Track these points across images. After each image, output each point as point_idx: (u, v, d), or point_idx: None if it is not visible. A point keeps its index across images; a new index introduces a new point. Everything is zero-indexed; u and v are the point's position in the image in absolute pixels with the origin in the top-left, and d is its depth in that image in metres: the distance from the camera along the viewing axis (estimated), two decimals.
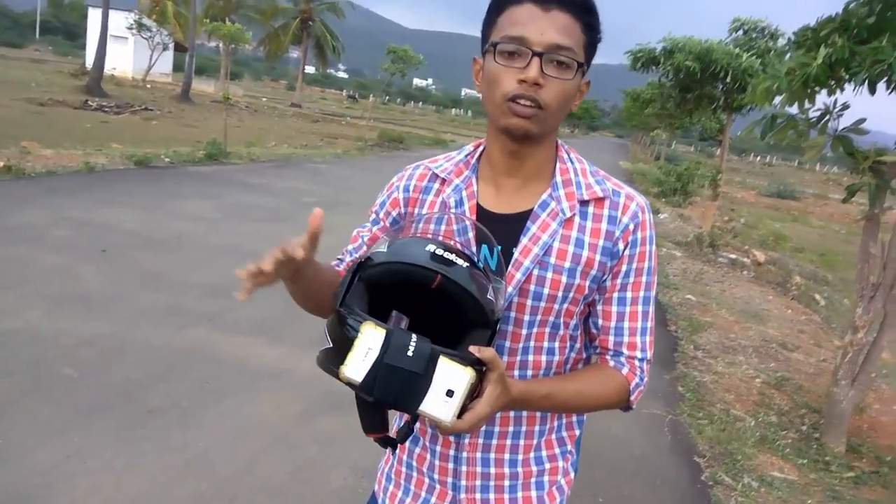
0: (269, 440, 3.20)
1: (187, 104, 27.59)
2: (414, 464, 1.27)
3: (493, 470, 1.21)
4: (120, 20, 32.48)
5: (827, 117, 4.06)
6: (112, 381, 3.54)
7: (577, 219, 1.14)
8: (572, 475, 1.31)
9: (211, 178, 10.61)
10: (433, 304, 0.95)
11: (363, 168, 15.42)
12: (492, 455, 1.21)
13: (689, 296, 7.48)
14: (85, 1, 64.54)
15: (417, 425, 1.23)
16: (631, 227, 1.14)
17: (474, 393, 0.93)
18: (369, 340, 0.86)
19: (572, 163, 1.20)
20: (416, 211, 1.24)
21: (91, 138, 13.01)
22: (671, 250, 10.45)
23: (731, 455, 3.80)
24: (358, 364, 0.86)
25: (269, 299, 5.06)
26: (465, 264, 0.95)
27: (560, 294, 1.13)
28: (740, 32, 10.34)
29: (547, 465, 1.25)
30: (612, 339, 1.19)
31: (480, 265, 1.00)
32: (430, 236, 1.03)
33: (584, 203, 1.15)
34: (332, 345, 0.92)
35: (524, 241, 1.13)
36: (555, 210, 1.14)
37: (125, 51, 38.35)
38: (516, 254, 1.13)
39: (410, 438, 1.26)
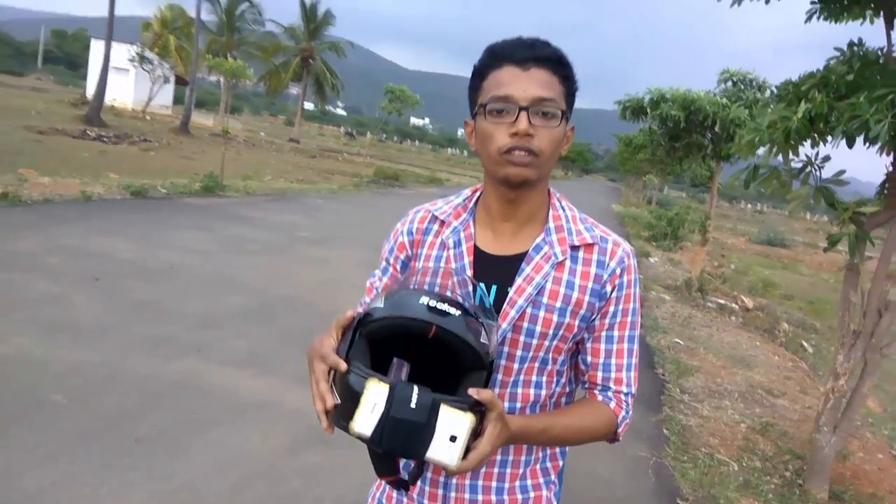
0: (255, 472, 3.21)
1: (186, 136, 27.85)
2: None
3: (480, 497, 1.27)
4: (122, 52, 32.93)
5: (808, 168, 4.19)
6: (101, 409, 3.55)
7: (568, 262, 1.23)
8: None
9: (206, 211, 10.69)
10: (431, 350, 1.02)
11: (358, 204, 15.57)
12: (480, 482, 1.27)
13: (677, 339, 7.55)
14: (88, 32, 65.47)
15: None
16: (618, 271, 1.23)
17: (476, 433, 0.99)
18: (374, 396, 0.92)
19: (564, 210, 1.29)
20: (419, 251, 1.31)
21: (89, 167, 13.12)
22: (660, 294, 10.54)
23: (713, 499, 3.82)
24: (366, 419, 0.92)
25: (257, 332, 5.13)
26: (458, 313, 1.01)
27: (551, 332, 1.21)
28: (729, 83, 10.61)
29: (531, 494, 1.30)
30: (600, 374, 1.27)
31: (472, 312, 1.06)
32: (426, 287, 1.10)
33: (574, 248, 1.24)
34: (340, 401, 0.97)
35: (519, 280, 1.22)
36: (548, 253, 1.23)
37: (126, 82, 38.83)
38: (511, 292, 1.21)
39: (403, 464, 1.31)
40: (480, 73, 1.19)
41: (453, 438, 0.94)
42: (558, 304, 1.21)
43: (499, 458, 1.27)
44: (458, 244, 1.27)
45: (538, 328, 1.21)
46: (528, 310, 1.20)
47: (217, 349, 4.69)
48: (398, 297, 1.04)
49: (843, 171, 4.16)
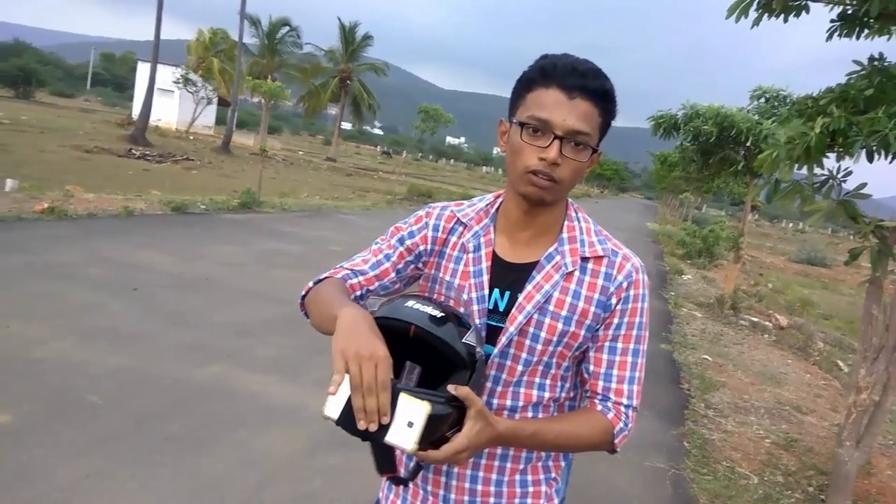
0: (277, 471, 3.34)
1: (227, 156, 28.58)
2: None
3: (480, 487, 1.33)
4: (167, 74, 34.08)
5: (830, 182, 4.19)
6: (133, 410, 3.73)
7: (577, 273, 1.28)
8: (556, 501, 1.40)
9: (243, 226, 10.99)
10: (424, 352, 1.10)
11: (390, 220, 15.58)
12: (480, 473, 1.33)
13: (706, 356, 7.49)
14: (135, 55, 67.73)
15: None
16: (624, 284, 1.28)
17: (456, 427, 1.07)
18: (346, 385, 1.01)
19: (579, 222, 1.34)
20: (443, 250, 1.38)
21: (132, 185, 13.60)
22: (692, 311, 10.46)
23: None
24: (334, 404, 1.02)
25: (285, 340, 5.29)
26: (440, 314, 1.10)
27: (555, 338, 1.27)
28: (762, 100, 10.54)
29: (531, 489, 1.35)
30: (601, 384, 1.29)
31: (457, 315, 1.14)
32: (442, 298, 1.20)
33: (585, 259, 1.29)
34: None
35: (528, 288, 1.28)
36: (559, 263, 1.29)
37: (171, 103, 40.06)
38: (521, 298, 1.28)
39: (408, 455, 1.39)
40: (528, 83, 1.22)
41: (410, 424, 1.01)
42: (564, 313, 1.26)
43: (499, 451, 1.32)
44: (477, 248, 1.33)
45: (543, 334, 1.26)
46: (535, 316, 1.26)
47: (246, 356, 4.85)
48: (391, 304, 1.14)
49: (864, 184, 4.14)
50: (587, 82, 1.18)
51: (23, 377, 3.92)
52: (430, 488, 1.36)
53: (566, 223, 1.32)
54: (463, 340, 1.09)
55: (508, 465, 1.33)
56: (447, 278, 1.34)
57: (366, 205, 18.40)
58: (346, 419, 1.01)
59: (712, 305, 10.94)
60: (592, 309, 1.26)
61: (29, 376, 3.94)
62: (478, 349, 1.12)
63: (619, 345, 1.29)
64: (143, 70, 37.38)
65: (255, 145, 33.68)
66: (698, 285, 13.82)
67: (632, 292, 1.28)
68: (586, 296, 1.26)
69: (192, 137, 35.46)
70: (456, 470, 1.33)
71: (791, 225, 76.83)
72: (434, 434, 1.04)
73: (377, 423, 0.99)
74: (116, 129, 30.54)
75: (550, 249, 1.30)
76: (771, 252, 33.88)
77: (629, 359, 1.29)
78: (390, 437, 1.01)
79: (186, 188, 14.55)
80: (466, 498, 1.33)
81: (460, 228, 1.37)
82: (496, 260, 1.32)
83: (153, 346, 4.75)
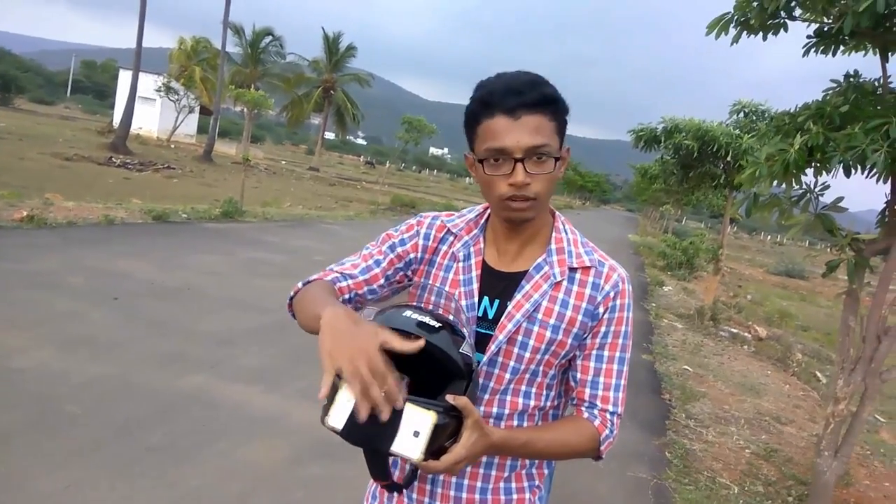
0: (259, 482, 3.32)
1: (209, 164, 28.42)
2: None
3: (465, 495, 1.34)
4: (149, 82, 33.89)
5: (808, 196, 4.27)
6: (114, 420, 3.69)
7: (565, 283, 1.31)
8: None
9: (225, 235, 10.93)
10: (421, 363, 1.10)
11: (373, 230, 15.68)
12: (465, 481, 1.34)
13: (686, 367, 7.56)
14: (117, 63, 67.27)
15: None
16: (612, 294, 1.31)
17: (453, 437, 1.08)
18: (347, 394, 1.01)
19: (566, 234, 1.37)
20: (433, 258, 1.40)
21: (113, 193, 13.48)
22: (672, 322, 10.55)
23: None
24: (338, 414, 1.01)
25: (268, 350, 5.27)
26: (439, 325, 1.11)
27: (543, 346, 1.29)
28: (741, 115, 10.71)
29: (514, 496, 1.37)
30: (588, 391, 1.32)
31: (454, 326, 1.15)
32: (430, 306, 1.21)
33: (573, 269, 1.32)
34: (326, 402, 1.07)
35: (518, 296, 1.31)
36: (547, 273, 1.31)
37: (152, 111, 39.78)
38: (510, 307, 1.30)
39: (394, 463, 1.39)
40: (473, 118, 1.24)
41: (416, 434, 1.01)
42: (552, 322, 1.29)
43: (484, 459, 1.33)
44: (467, 258, 1.36)
45: (532, 342, 1.29)
46: (524, 324, 1.29)
47: (229, 366, 4.82)
48: (387, 314, 1.14)
49: (841, 198, 4.23)
50: (525, 98, 1.18)
51: (2, 386, 3.86)
52: (415, 496, 1.37)
53: (554, 234, 1.35)
54: (460, 350, 1.10)
55: (493, 472, 1.34)
56: (437, 286, 1.36)
57: (349, 215, 18.38)
58: (351, 429, 1.00)
59: (692, 317, 11.05)
60: (580, 318, 1.29)
61: (8, 385, 3.89)
62: (473, 359, 1.13)
63: (606, 353, 1.31)
64: (124, 78, 37.14)
65: (238, 154, 33.56)
66: (679, 296, 13.95)
67: (618, 302, 1.31)
68: (574, 305, 1.29)
69: (173, 146, 35.23)
70: (441, 478, 1.34)
71: (769, 237, 77.85)
72: (435, 444, 1.04)
73: (390, 410, 0.98)
74: (97, 136, 30.26)
75: (539, 260, 1.32)
76: (750, 264, 34.28)
77: (615, 367, 1.32)
78: (396, 447, 1.01)
79: (168, 197, 14.44)
80: None
81: (450, 238, 1.40)
82: (486, 269, 1.34)
83: (134, 356, 4.70)
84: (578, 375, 1.33)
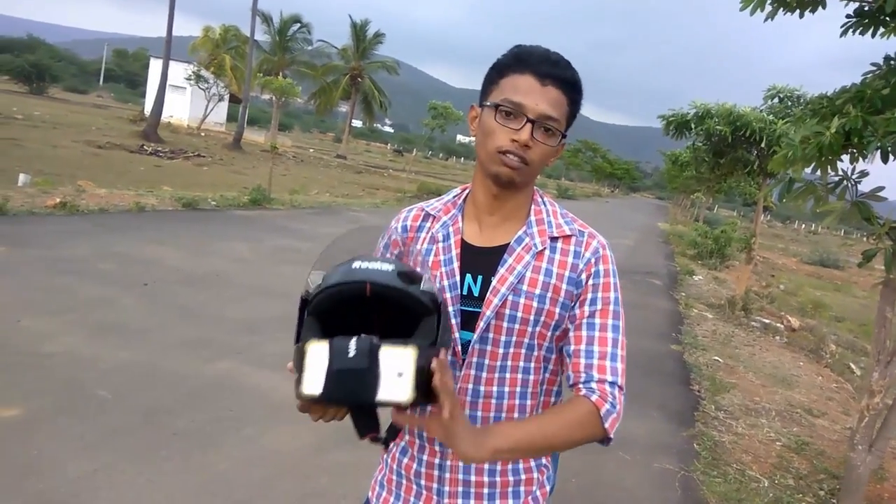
0: (284, 468, 3.34)
1: (238, 152, 28.69)
2: (403, 472, 1.40)
3: (473, 478, 1.33)
4: (179, 71, 34.22)
5: (845, 183, 4.14)
6: (142, 405, 3.74)
7: (547, 252, 1.31)
8: (548, 488, 1.41)
9: (253, 222, 11.02)
10: (385, 310, 1.05)
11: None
12: (473, 465, 1.33)
13: (717, 357, 7.44)
14: (148, 52, 68.15)
15: (408, 437, 1.38)
16: (592, 260, 1.30)
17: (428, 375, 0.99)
18: (316, 355, 0.95)
19: (545, 205, 1.39)
20: (412, 247, 1.40)
21: (144, 180, 13.67)
22: (702, 312, 10.40)
23: None
24: (312, 379, 0.95)
25: (293, 337, 5.28)
26: (390, 267, 1.04)
27: (532, 318, 1.28)
28: (776, 100, 10.45)
29: (523, 476, 1.36)
30: (583, 361, 1.26)
31: (406, 267, 1.07)
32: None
33: (553, 239, 1.32)
34: (296, 374, 1.00)
35: (501, 270, 1.30)
36: (528, 244, 1.31)
37: (182, 100, 40.22)
38: (494, 282, 1.29)
39: (400, 450, 1.40)
40: (501, 70, 1.27)
41: (400, 374, 0.95)
42: (538, 291, 1.28)
43: None
44: (446, 237, 1.36)
45: (519, 314, 1.28)
46: (510, 297, 1.27)
47: (255, 352, 4.85)
48: (333, 270, 1.07)
49: (881, 188, 4.10)
50: (559, 71, 1.24)
51: (33, 371, 3.94)
52: (423, 482, 1.37)
53: (533, 207, 1.36)
54: (422, 288, 1.04)
55: None
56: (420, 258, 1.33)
57: (375, 202, 18.42)
58: (331, 389, 0.93)
59: (723, 306, 10.86)
60: (564, 286, 1.28)
61: (39, 370, 3.96)
62: (438, 294, 1.07)
63: (597, 320, 1.28)
64: (155, 66, 37.55)
65: (266, 142, 33.79)
66: (709, 286, 13.74)
67: (601, 267, 1.30)
68: (558, 273, 1.29)
69: (203, 134, 35.61)
70: (449, 462, 1.33)
71: (803, 226, 76.37)
72: (422, 382, 0.97)
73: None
74: (128, 125, 30.70)
75: (520, 232, 1.32)
76: (783, 253, 33.66)
77: (609, 334, 1.27)
78: (383, 395, 0.94)
79: (198, 184, 14.61)
80: (460, 489, 1.34)
81: (428, 223, 1.41)
82: (466, 247, 1.34)
83: (162, 342, 4.76)
84: (572, 347, 1.28)
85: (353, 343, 0.95)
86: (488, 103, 1.27)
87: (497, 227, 1.35)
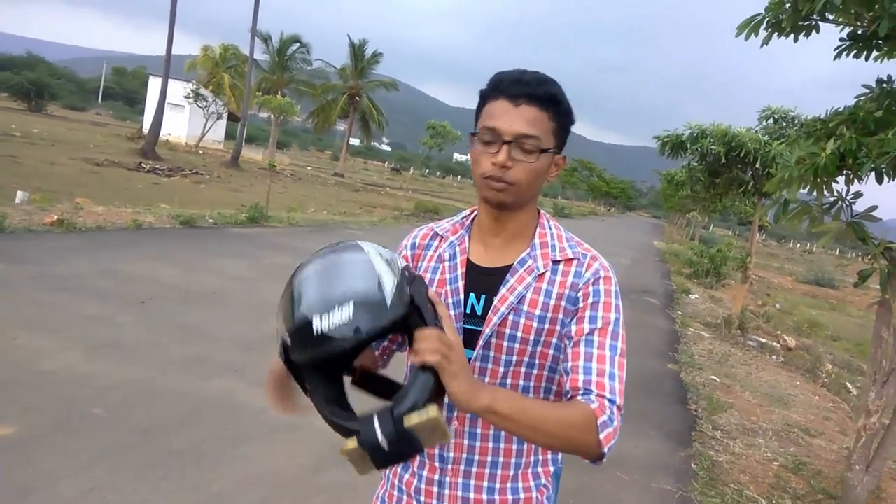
0: (280, 487, 3.32)
1: (236, 170, 28.75)
2: (404, 488, 1.42)
3: (472, 495, 1.34)
4: (178, 89, 34.43)
5: (839, 204, 4.18)
6: (138, 423, 3.72)
7: (548, 274, 1.33)
8: None
9: (251, 240, 11.02)
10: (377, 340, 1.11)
11: (395, 235, 15.76)
12: (472, 482, 1.34)
13: (713, 377, 7.44)
14: (146, 70, 68.47)
15: None
16: (592, 279, 1.30)
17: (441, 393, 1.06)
18: (355, 455, 1.03)
19: (551, 229, 1.40)
20: (419, 265, 1.44)
21: (141, 198, 13.68)
22: (699, 331, 10.40)
23: None
24: (364, 466, 1.04)
25: None
26: (348, 315, 1.01)
27: (532, 337, 1.30)
28: (770, 121, 10.55)
29: (522, 496, 1.36)
30: (581, 377, 1.21)
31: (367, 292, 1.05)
32: None
33: (556, 262, 1.34)
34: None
35: (502, 290, 1.32)
36: (531, 266, 1.33)
37: (181, 118, 40.38)
38: (495, 301, 1.32)
39: (402, 466, 1.42)
40: (483, 100, 1.32)
41: (433, 430, 1.01)
42: (538, 312, 1.30)
43: (489, 458, 1.33)
44: (453, 257, 1.40)
45: (519, 334, 1.30)
46: (510, 317, 1.30)
47: (252, 370, 4.84)
48: (294, 328, 1.06)
49: (875, 207, 4.13)
50: (531, 89, 1.25)
51: (30, 389, 3.92)
52: (423, 499, 1.38)
53: (538, 230, 1.38)
54: (389, 306, 1.04)
55: (499, 472, 1.34)
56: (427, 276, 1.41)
57: (373, 220, 18.44)
58: (383, 464, 1.04)
59: (720, 325, 10.87)
60: (563, 304, 1.30)
61: (36, 388, 3.95)
62: (401, 296, 1.07)
63: (596, 338, 1.24)
64: (154, 84, 37.75)
65: (264, 160, 33.90)
66: (705, 305, 13.76)
67: (601, 287, 1.30)
68: (557, 293, 1.30)
69: (201, 152, 35.70)
70: (448, 479, 1.35)
71: (799, 245, 76.61)
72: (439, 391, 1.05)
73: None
74: (127, 142, 30.78)
75: (523, 254, 1.35)
76: (779, 272, 33.74)
77: (607, 353, 1.23)
78: (426, 447, 1.04)
79: (195, 202, 14.63)
80: None
81: (436, 242, 1.45)
82: (471, 266, 1.38)
83: (159, 359, 4.75)
84: (570, 364, 1.23)
85: (378, 432, 1.00)
86: (471, 133, 1.33)
87: (502, 248, 1.38)
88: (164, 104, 26.81)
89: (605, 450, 1.15)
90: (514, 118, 1.25)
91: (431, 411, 1.01)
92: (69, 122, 41.06)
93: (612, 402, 1.18)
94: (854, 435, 4.18)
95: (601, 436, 1.14)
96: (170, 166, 23.31)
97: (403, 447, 1.01)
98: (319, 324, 1.01)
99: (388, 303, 1.04)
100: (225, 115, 38.79)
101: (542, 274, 1.32)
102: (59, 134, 28.44)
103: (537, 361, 1.32)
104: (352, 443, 1.02)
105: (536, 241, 1.37)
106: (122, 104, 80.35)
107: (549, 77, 1.29)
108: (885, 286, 4.07)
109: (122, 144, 29.19)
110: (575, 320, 1.28)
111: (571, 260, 1.34)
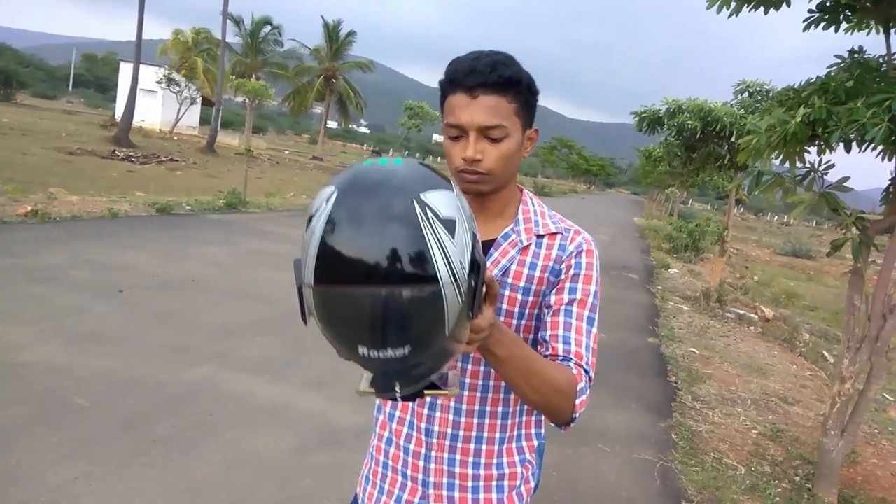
0: (265, 471, 3.34)
1: (212, 156, 28.41)
2: (390, 463, 1.44)
3: (458, 470, 1.37)
4: (150, 74, 33.79)
5: (812, 175, 4.24)
6: (120, 412, 3.71)
7: (532, 247, 1.35)
8: (532, 484, 1.44)
9: (229, 226, 10.94)
10: None
11: None
12: (457, 456, 1.36)
13: (692, 349, 7.55)
14: (117, 56, 67.16)
15: (395, 426, 1.42)
16: (575, 252, 1.34)
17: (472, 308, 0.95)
18: (368, 394, 1.00)
19: (534, 206, 1.42)
20: None
21: (116, 186, 13.48)
22: (678, 304, 10.53)
23: (718, 501, 3.86)
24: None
25: (273, 341, 5.27)
26: (405, 349, 0.90)
27: (517, 310, 1.33)
28: (746, 94, 10.62)
29: (507, 471, 1.39)
30: (560, 346, 1.26)
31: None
32: None
33: (540, 236, 1.36)
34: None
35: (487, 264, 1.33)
36: (514, 240, 1.35)
37: (154, 104, 39.67)
38: None
39: (385, 441, 1.44)
40: (443, 93, 1.30)
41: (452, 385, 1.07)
42: (522, 284, 1.32)
43: (474, 433, 1.35)
44: None
45: (504, 307, 1.32)
46: None
47: (233, 357, 4.83)
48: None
49: (847, 178, 4.20)
50: (485, 78, 1.23)
51: (9, 382, 3.89)
52: (409, 472, 1.40)
53: (521, 206, 1.40)
54: (446, 331, 0.90)
55: (484, 447, 1.37)
56: None
57: None
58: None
59: (699, 299, 11.02)
60: (546, 276, 1.32)
61: (15, 380, 3.91)
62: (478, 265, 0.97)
63: (575, 309, 1.30)
64: (125, 70, 37.03)
65: (240, 145, 33.52)
66: (685, 279, 13.91)
67: (583, 259, 1.33)
68: (542, 265, 1.33)
69: (176, 138, 35.19)
70: (434, 453, 1.37)
71: (776, 218, 77.56)
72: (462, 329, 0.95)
73: None
74: (99, 130, 30.25)
75: (507, 229, 1.37)
76: (756, 245, 34.16)
77: (584, 325, 1.29)
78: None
79: (171, 189, 14.45)
80: (445, 480, 1.37)
81: None
82: None
83: (139, 348, 4.72)
84: (549, 332, 1.28)
85: (398, 394, 0.97)
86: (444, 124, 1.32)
87: (485, 224, 1.38)
88: (136, 90, 26.35)
89: (577, 415, 1.23)
90: (474, 111, 1.23)
91: (453, 392, 1.05)
92: (40, 110, 40.20)
93: (587, 371, 1.26)
94: (829, 401, 4.27)
95: (577, 400, 1.22)
96: (144, 153, 22.97)
97: (417, 398, 1.02)
98: (367, 353, 0.90)
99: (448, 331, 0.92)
100: (199, 100, 38.14)
101: (527, 247, 1.34)
102: (30, 123, 27.86)
103: (521, 335, 1.34)
104: (367, 389, 1.00)
105: (520, 216, 1.38)
106: (94, 91, 78.85)
107: (503, 56, 1.26)
108: (857, 255, 4.14)
109: (94, 132, 28.68)
110: (555, 290, 1.32)
111: (555, 234, 1.36)
